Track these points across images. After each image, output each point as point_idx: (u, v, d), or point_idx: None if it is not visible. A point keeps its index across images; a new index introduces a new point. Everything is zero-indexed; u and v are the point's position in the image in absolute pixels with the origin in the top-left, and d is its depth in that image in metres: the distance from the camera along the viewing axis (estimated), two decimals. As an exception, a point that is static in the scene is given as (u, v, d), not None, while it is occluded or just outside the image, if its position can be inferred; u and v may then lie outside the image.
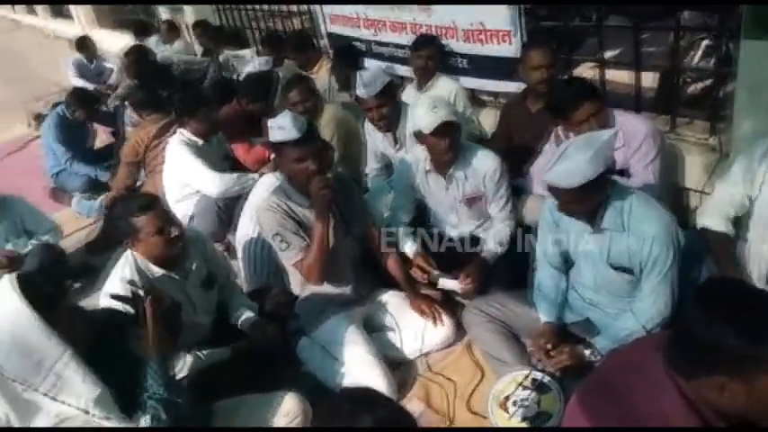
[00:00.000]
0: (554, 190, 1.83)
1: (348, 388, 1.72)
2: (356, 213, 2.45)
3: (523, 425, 1.94)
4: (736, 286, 1.16)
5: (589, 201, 1.82)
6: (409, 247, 2.63)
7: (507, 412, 1.98)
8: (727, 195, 2.04)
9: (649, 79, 3.20)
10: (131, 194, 3.20)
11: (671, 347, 1.16)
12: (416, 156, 2.64)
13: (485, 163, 2.50)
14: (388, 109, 2.92)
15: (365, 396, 1.16)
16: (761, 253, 1.96)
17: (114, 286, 2.04)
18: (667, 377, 1.15)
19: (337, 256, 2.33)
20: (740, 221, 2.07)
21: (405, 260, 2.60)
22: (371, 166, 3.29)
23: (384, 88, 2.86)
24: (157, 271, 2.10)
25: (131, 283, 1.87)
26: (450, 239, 2.68)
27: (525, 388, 2.01)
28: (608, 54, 3.22)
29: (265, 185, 2.79)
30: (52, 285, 1.64)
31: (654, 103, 3.19)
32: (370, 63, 4.15)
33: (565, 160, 1.75)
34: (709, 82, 3.25)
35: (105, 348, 1.61)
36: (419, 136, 2.46)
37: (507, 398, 2.02)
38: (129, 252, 2.09)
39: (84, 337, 1.57)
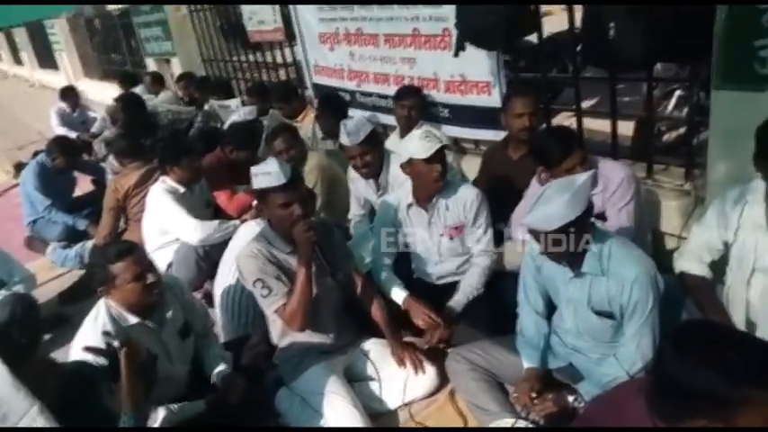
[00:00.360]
0: (535, 233, 1.84)
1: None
2: (339, 258, 2.43)
3: None
4: (712, 328, 1.16)
5: (570, 242, 1.83)
6: (397, 294, 2.60)
7: None
8: (704, 240, 2.07)
9: (626, 128, 3.28)
10: (109, 242, 3.15)
11: (652, 392, 1.15)
12: (398, 195, 2.68)
13: (465, 193, 2.56)
14: (372, 156, 2.96)
15: None
16: (742, 296, 1.96)
17: (87, 337, 1.98)
18: (649, 421, 1.14)
19: (320, 302, 2.29)
20: (717, 266, 2.09)
21: (389, 305, 2.56)
22: (354, 213, 3.30)
23: (368, 136, 2.91)
24: (132, 319, 2.04)
25: (106, 334, 1.81)
26: (434, 287, 2.67)
27: None
28: (585, 104, 3.32)
29: (246, 232, 2.76)
30: (23, 337, 1.59)
31: (631, 150, 3.26)
32: (354, 112, 4.22)
33: (544, 204, 1.78)
34: (683, 130, 3.35)
35: (77, 402, 1.56)
36: (410, 164, 2.49)
37: None
38: (102, 301, 2.04)
39: (55, 390, 1.51)
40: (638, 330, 1.87)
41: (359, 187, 3.21)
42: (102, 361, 1.66)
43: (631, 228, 2.36)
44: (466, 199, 2.55)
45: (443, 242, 2.63)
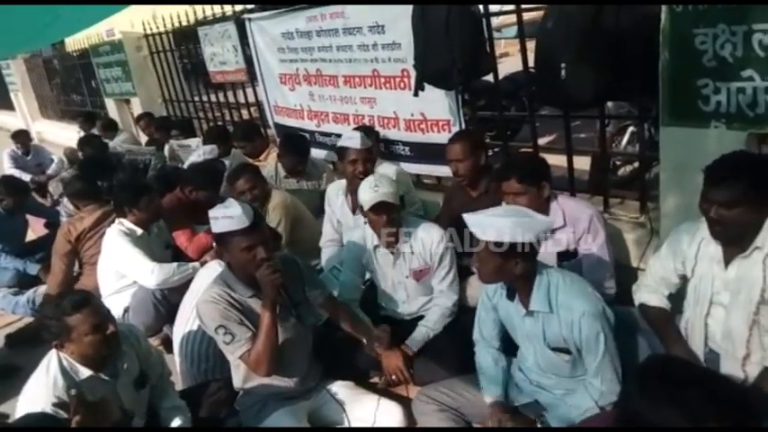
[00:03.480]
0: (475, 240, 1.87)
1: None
2: (306, 292, 2.37)
3: None
4: (675, 365, 1.17)
5: (492, 265, 1.85)
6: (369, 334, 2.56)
7: None
8: (660, 275, 2.11)
9: (583, 162, 3.38)
10: (63, 293, 3.02)
11: (618, 427, 1.14)
12: (365, 232, 2.66)
13: (430, 234, 2.55)
14: (371, 165, 3.04)
15: None
16: (701, 329, 1.99)
17: (37, 391, 1.88)
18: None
19: (286, 345, 2.22)
20: (675, 298, 2.12)
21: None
22: (326, 238, 3.32)
23: (370, 147, 3.02)
24: (85, 372, 1.94)
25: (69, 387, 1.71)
26: (402, 321, 2.65)
27: None
28: (543, 140, 3.41)
29: (208, 274, 2.69)
30: None
31: (587, 184, 3.35)
32: (315, 152, 4.24)
33: (490, 214, 1.83)
34: (637, 164, 3.46)
35: None
36: (362, 210, 2.51)
37: None
38: (53, 353, 1.94)
39: None
40: (598, 365, 1.88)
41: (335, 207, 3.23)
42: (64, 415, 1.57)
43: (610, 261, 2.42)
44: (432, 241, 2.55)
45: (409, 283, 2.63)
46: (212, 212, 2.10)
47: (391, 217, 2.47)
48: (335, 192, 3.31)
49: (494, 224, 1.79)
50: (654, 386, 1.10)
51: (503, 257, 1.83)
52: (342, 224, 3.27)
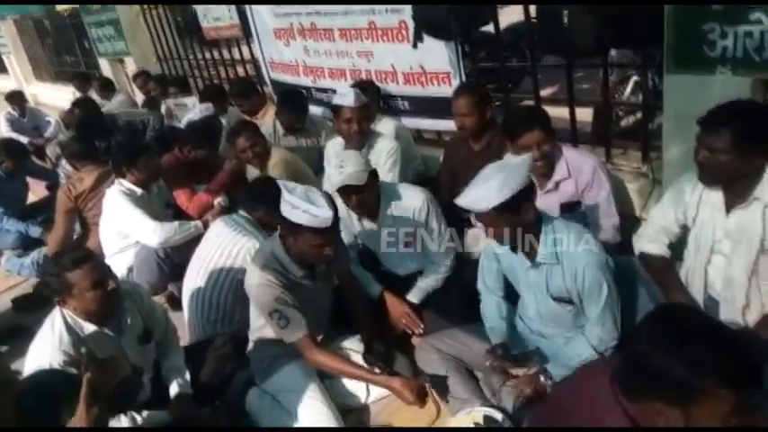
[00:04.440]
0: (480, 217, 1.86)
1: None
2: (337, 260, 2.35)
3: None
4: (690, 316, 1.15)
5: (507, 224, 1.84)
6: (371, 289, 2.61)
7: None
8: (661, 224, 2.11)
9: (585, 114, 3.33)
10: (63, 250, 3.03)
11: (621, 369, 1.16)
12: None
13: (411, 202, 2.49)
14: (366, 124, 2.96)
15: None
16: (701, 278, 2.01)
17: (44, 348, 1.91)
18: (614, 400, 1.15)
19: (320, 308, 2.27)
20: (676, 247, 2.13)
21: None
22: None
23: (366, 104, 2.92)
24: (89, 327, 1.97)
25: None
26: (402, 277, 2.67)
27: (477, 424, 1.97)
28: (544, 92, 3.35)
29: (218, 232, 2.67)
30: None
31: (590, 135, 3.31)
32: (313, 109, 4.18)
33: (476, 186, 1.80)
34: (639, 114, 3.41)
35: (37, 418, 1.48)
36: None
37: None
38: (57, 310, 1.97)
39: (10, 409, 1.44)
40: (600, 314, 1.91)
41: (331, 174, 3.17)
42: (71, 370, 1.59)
43: (616, 211, 2.41)
44: (414, 208, 2.49)
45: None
46: (293, 200, 1.97)
47: (360, 197, 2.39)
48: (334, 150, 3.24)
49: (486, 192, 1.77)
50: (662, 332, 1.10)
51: (511, 214, 1.81)
52: None
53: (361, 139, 3.00)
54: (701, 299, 2.01)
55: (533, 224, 1.89)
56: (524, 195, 1.80)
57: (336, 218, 1.99)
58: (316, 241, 2.01)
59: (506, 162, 1.85)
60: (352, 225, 2.64)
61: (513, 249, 1.97)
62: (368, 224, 2.58)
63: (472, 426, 1.98)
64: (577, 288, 1.90)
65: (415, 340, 2.51)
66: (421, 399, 2.16)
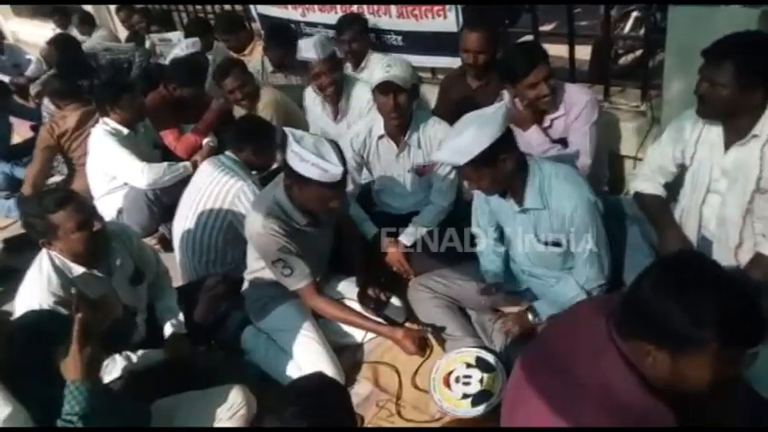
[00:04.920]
0: (462, 171, 1.83)
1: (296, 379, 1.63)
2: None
3: (463, 402, 1.94)
4: (698, 265, 1.11)
5: (487, 177, 1.81)
6: (367, 229, 2.59)
7: (449, 388, 1.98)
8: (658, 162, 2.09)
9: (583, 51, 3.23)
10: (46, 191, 2.97)
11: (619, 309, 1.16)
12: (368, 123, 2.57)
13: (440, 132, 2.45)
14: (339, 74, 2.86)
15: (296, 388, 1.19)
16: (695, 217, 2.00)
17: (32, 290, 1.89)
18: (608, 339, 1.15)
19: (315, 249, 2.25)
20: (671, 187, 2.11)
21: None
22: None
23: (332, 54, 2.80)
24: (78, 269, 1.94)
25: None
26: (396, 216, 2.65)
27: (470, 366, 2.00)
28: (543, 28, 3.23)
29: (207, 171, 2.62)
30: None
31: (588, 73, 3.23)
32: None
33: (452, 139, 1.76)
34: (639, 52, 3.32)
35: (29, 360, 1.48)
36: (373, 93, 2.39)
37: (450, 374, 2.01)
38: (44, 252, 1.93)
39: (2, 350, 1.43)
40: (587, 257, 1.92)
41: (315, 117, 3.11)
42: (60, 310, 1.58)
43: (591, 148, 2.36)
44: (441, 137, 2.42)
45: (410, 178, 2.58)
46: (302, 152, 1.88)
47: (398, 102, 2.33)
48: (312, 100, 3.11)
49: (461, 145, 1.72)
50: (667, 278, 1.08)
51: (490, 165, 1.77)
52: (326, 133, 3.11)
53: (335, 90, 2.90)
54: (695, 238, 2.02)
55: (517, 171, 1.85)
56: (502, 145, 1.75)
57: (345, 172, 1.94)
58: (323, 195, 1.96)
59: (480, 113, 1.79)
60: (370, 144, 2.56)
61: (503, 195, 1.95)
62: (387, 145, 2.52)
63: (464, 366, 2.00)
64: (565, 231, 1.90)
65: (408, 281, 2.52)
66: (422, 348, 2.18)
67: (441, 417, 2.01)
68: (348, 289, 2.44)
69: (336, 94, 2.94)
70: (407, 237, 2.53)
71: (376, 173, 2.66)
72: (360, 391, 2.17)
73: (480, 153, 1.70)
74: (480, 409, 1.90)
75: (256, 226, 2.08)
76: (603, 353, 1.13)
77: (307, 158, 1.87)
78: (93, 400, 1.45)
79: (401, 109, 2.36)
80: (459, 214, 2.48)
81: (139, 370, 2.01)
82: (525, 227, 1.98)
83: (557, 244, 1.94)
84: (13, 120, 4.68)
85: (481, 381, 1.96)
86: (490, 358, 2.00)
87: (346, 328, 2.36)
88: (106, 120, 3.09)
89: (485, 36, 2.66)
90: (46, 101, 4.23)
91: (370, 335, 2.35)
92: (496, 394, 1.91)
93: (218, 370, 2.18)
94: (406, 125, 2.45)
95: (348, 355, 2.32)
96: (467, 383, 1.97)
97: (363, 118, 2.70)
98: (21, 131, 4.93)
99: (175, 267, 2.68)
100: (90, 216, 1.92)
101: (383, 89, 2.31)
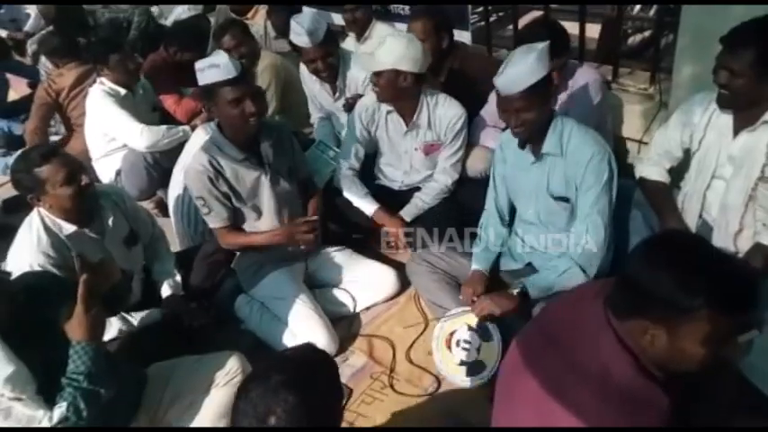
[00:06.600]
0: (504, 102, 1.85)
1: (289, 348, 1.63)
2: (293, 161, 2.34)
3: (459, 369, 1.97)
4: (684, 240, 1.14)
5: (534, 109, 1.83)
6: (366, 204, 2.54)
7: (450, 351, 2.00)
8: (665, 147, 2.07)
9: (593, 30, 3.18)
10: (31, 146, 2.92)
11: (613, 289, 1.16)
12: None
13: (449, 110, 2.41)
14: (334, 58, 2.76)
15: (284, 356, 1.20)
16: (698, 203, 2.00)
17: (22, 249, 1.87)
18: (606, 322, 1.15)
19: (279, 209, 2.26)
20: (675, 172, 2.10)
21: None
22: (315, 116, 3.16)
23: (326, 35, 2.69)
24: (68, 228, 1.91)
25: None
26: (396, 192, 2.64)
27: (471, 329, 2.00)
28: (553, 5, 3.18)
29: (199, 140, 2.60)
30: None
31: (597, 53, 3.18)
32: (306, 10, 3.92)
33: (511, 66, 1.80)
34: (649, 33, 3.27)
35: (31, 320, 1.47)
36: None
37: (452, 334, 2.02)
38: (35, 211, 1.91)
39: (3, 310, 1.42)
40: (589, 210, 1.91)
41: (313, 91, 3.05)
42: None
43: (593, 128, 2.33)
44: (450, 118, 2.41)
45: (416, 156, 2.55)
46: (198, 64, 2.02)
47: (380, 83, 2.30)
48: (309, 76, 2.96)
49: (521, 73, 1.77)
50: (655, 252, 1.10)
51: (540, 97, 1.82)
52: (325, 107, 3.07)
53: (331, 74, 2.82)
54: (696, 223, 2.01)
55: (548, 116, 1.91)
56: (550, 82, 1.84)
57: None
58: (231, 95, 1.99)
59: (532, 46, 1.82)
60: (378, 119, 2.52)
61: (522, 145, 1.98)
62: (396, 120, 2.48)
63: (466, 328, 2.01)
64: (577, 182, 1.91)
65: (402, 257, 2.52)
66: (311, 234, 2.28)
67: (433, 391, 2.02)
68: (336, 255, 2.46)
69: (332, 76, 2.84)
70: (408, 212, 2.51)
71: (383, 146, 2.62)
72: (354, 362, 2.18)
73: (536, 82, 1.77)
74: (473, 379, 1.95)
75: (188, 160, 2.19)
76: (603, 337, 1.13)
77: (201, 67, 2.01)
78: (98, 360, 1.46)
79: (393, 90, 2.31)
80: (462, 192, 2.47)
81: (135, 331, 2.01)
82: (538, 179, 1.99)
83: (565, 199, 1.97)
84: (9, 76, 4.59)
85: (479, 349, 1.97)
86: (490, 326, 1.99)
87: (340, 297, 2.38)
88: (103, 79, 3.04)
89: (428, 25, 2.57)
90: (43, 59, 4.15)
91: (362, 304, 2.37)
92: (489, 368, 1.93)
93: (212, 337, 2.19)
94: (412, 106, 2.40)
95: (343, 326, 2.33)
96: (465, 349, 1.99)
97: (369, 93, 2.64)
98: (18, 88, 4.84)
99: (173, 233, 2.67)
100: (77, 170, 1.89)
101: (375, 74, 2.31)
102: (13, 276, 1.68)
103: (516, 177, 2.08)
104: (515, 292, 1.96)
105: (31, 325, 1.47)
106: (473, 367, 1.96)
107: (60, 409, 1.40)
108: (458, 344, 2.01)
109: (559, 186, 1.96)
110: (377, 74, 2.30)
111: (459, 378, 1.98)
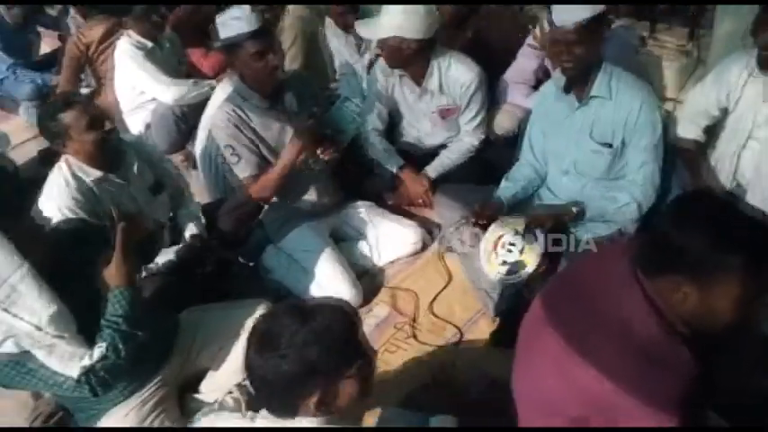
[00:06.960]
0: (557, 34, 1.83)
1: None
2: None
3: (500, 268, 1.99)
4: (714, 198, 1.14)
5: (589, 43, 1.82)
6: (393, 162, 2.54)
7: (496, 253, 2.01)
8: (701, 106, 2.03)
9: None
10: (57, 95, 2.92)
11: (642, 247, 1.15)
12: None
13: (462, 75, 2.37)
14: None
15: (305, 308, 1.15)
16: (731, 164, 1.97)
17: (51, 195, 1.90)
18: (633, 279, 1.14)
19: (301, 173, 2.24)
20: (711, 131, 2.06)
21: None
22: (340, 71, 3.13)
23: None
24: (95, 173, 1.95)
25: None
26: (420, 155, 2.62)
27: (517, 233, 2.00)
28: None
29: (223, 92, 2.61)
30: (5, 199, 1.52)
31: (634, 8, 3.06)
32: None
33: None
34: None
35: (70, 264, 1.52)
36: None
37: (500, 237, 2.03)
38: (62, 159, 1.95)
39: (45, 254, 1.48)
40: (644, 159, 1.91)
41: (339, 49, 3.01)
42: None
43: None
44: (464, 81, 2.36)
45: (433, 119, 2.52)
46: (219, 18, 2.05)
47: (389, 52, 2.29)
48: (333, 31, 2.95)
49: (581, 3, 1.77)
50: (686, 211, 1.09)
51: (597, 32, 1.82)
52: (350, 65, 3.02)
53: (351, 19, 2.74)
54: (729, 185, 1.98)
55: (598, 58, 1.89)
56: (604, 20, 1.86)
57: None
58: (253, 48, 2.01)
59: None
60: (393, 82, 2.49)
61: (567, 90, 1.95)
62: (410, 84, 2.45)
63: (512, 232, 2.01)
64: (626, 128, 1.89)
65: (425, 212, 2.53)
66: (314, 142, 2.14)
67: (456, 341, 2.06)
68: (362, 210, 2.47)
69: (349, 24, 2.79)
70: (433, 169, 2.51)
71: (402, 108, 2.59)
72: (378, 312, 2.22)
73: (591, 17, 1.77)
74: (512, 278, 1.97)
75: (213, 112, 2.18)
76: (628, 293, 1.13)
77: (223, 20, 2.03)
78: (135, 305, 1.53)
79: (398, 56, 2.28)
80: (489, 151, 2.45)
81: (158, 273, 2.05)
82: (582, 125, 1.96)
83: (608, 145, 1.95)
84: (40, 29, 4.62)
85: (521, 251, 1.98)
86: (538, 230, 2.00)
87: (363, 251, 2.40)
88: (130, 32, 3.04)
89: None
90: (73, 11, 4.16)
91: (387, 258, 2.39)
92: (528, 267, 1.94)
93: (241, 285, 2.25)
94: (422, 71, 2.36)
95: (368, 279, 2.37)
96: (509, 251, 1.99)
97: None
98: (48, 42, 4.88)
99: (201, 186, 2.71)
100: (99, 114, 1.93)
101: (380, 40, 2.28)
102: (53, 223, 1.74)
103: (555, 129, 2.06)
104: (574, 209, 1.99)
105: (73, 269, 1.52)
106: (514, 265, 1.98)
107: (100, 349, 1.47)
108: (503, 246, 2.02)
109: (605, 131, 1.94)
110: (381, 40, 2.28)
111: (498, 275, 1.99)
